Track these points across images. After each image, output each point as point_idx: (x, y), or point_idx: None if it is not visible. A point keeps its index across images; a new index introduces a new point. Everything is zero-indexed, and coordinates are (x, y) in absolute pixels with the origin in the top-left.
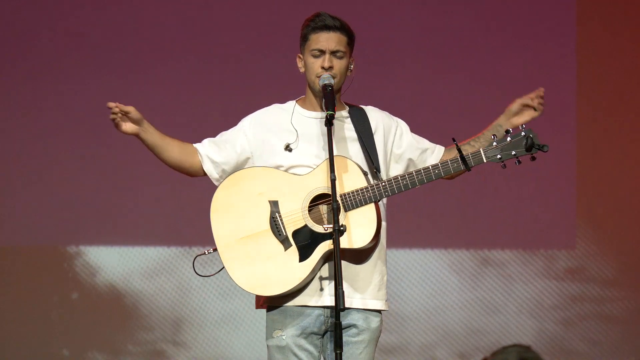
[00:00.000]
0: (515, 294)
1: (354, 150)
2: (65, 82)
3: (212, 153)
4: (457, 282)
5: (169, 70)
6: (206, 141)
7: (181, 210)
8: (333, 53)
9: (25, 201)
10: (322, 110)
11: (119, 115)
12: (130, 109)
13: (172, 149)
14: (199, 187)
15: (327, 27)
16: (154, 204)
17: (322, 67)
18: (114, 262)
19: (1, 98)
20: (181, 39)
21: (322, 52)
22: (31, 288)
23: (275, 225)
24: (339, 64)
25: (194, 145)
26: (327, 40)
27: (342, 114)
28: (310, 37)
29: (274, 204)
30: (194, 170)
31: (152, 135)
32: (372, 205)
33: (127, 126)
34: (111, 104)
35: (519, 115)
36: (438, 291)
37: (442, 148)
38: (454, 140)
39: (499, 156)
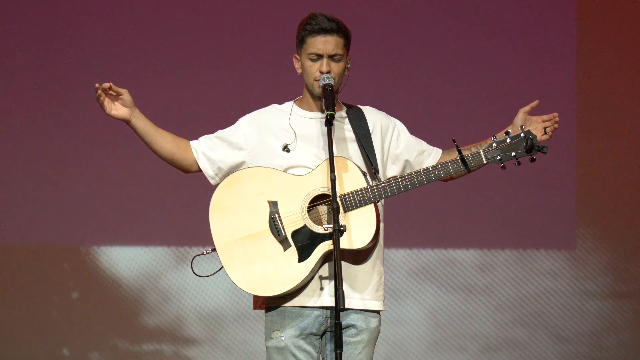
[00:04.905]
0: (515, 294)
1: (353, 150)
2: (67, 82)
3: (208, 150)
4: (456, 282)
5: (167, 70)
6: (202, 138)
7: (181, 210)
8: (331, 57)
9: (25, 201)
10: (320, 110)
11: (105, 95)
12: (123, 90)
13: (165, 140)
14: (198, 187)
15: (324, 31)
16: (154, 204)
17: (320, 72)
18: (114, 262)
19: (7, 98)
20: (179, 38)
21: (320, 56)
22: (31, 288)
23: (275, 226)
24: (336, 67)
25: (190, 142)
26: (324, 44)
27: (341, 114)
28: (307, 40)
29: (273, 204)
30: (187, 164)
31: (143, 123)
32: (372, 205)
33: (118, 110)
34: (101, 85)
35: (525, 125)
36: (437, 291)
37: (440, 151)
38: (454, 141)
39: (498, 157)
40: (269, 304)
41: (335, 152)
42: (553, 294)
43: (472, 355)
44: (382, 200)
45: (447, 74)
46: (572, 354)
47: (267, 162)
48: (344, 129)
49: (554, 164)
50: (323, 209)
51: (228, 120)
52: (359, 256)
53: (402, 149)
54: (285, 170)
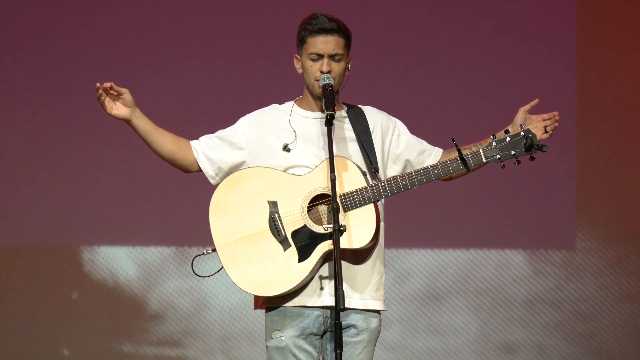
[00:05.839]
0: (515, 294)
1: (353, 150)
2: (67, 83)
3: (208, 150)
4: (456, 282)
5: (168, 70)
6: (203, 138)
7: (181, 210)
8: (331, 57)
9: (25, 201)
10: (321, 110)
11: (106, 94)
12: (124, 90)
13: (165, 140)
14: (198, 187)
15: (324, 30)
16: (154, 204)
17: (321, 72)
18: (114, 262)
19: (6, 98)
20: (180, 38)
21: (320, 55)
22: (31, 288)
23: (275, 226)
24: (337, 67)
25: (191, 142)
26: (325, 43)
27: (341, 113)
28: (308, 40)
29: (273, 204)
30: (188, 164)
31: (144, 122)
32: (372, 205)
33: (119, 109)
34: (102, 84)
35: (525, 124)
36: (438, 291)
37: (441, 150)
38: (453, 140)
39: (498, 156)
40: (270, 303)
41: (335, 152)
42: (553, 293)
43: (470, 355)
44: (383, 200)
45: (447, 73)
46: (572, 354)
47: (267, 162)
48: (344, 128)
49: (554, 164)
50: (323, 209)
51: (228, 120)
52: (359, 256)
53: (403, 148)
54: (285, 170)
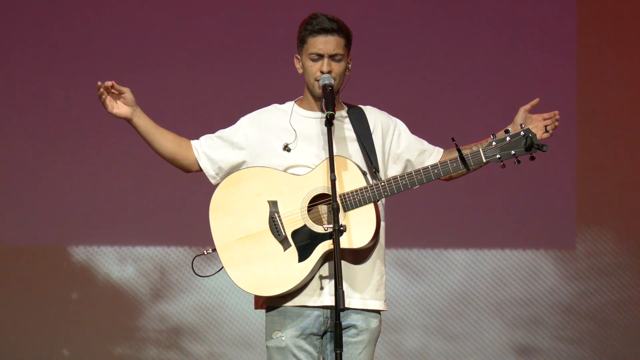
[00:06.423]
0: (515, 294)
1: (353, 150)
2: (67, 82)
3: (209, 150)
4: (456, 282)
5: (168, 70)
6: (203, 138)
7: (181, 210)
8: (331, 57)
9: (25, 201)
10: (321, 110)
11: (108, 93)
12: (125, 89)
13: (166, 140)
14: (198, 187)
15: (324, 31)
16: (154, 204)
17: (321, 72)
18: (114, 262)
19: (5, 98)
20: (180, 38)
21: (321, 56)
22: (31, 288)
23: (275, 226)
24: (337, 67)
25: (191, 141)
26: (325, 44)
27: (341, 113)
28: (308, 40)
29: (273, 204)
30: (188, 163)
31: (145, 122)
32: (372, 205)
33: (120, 108)
34: (103, 83)
35: (525, 124)
36: (438, 291)
37: (441, 150)
38: (453, 140)
39: (498, 156)
40: (270, 303)
41: (335, 152)
42: (553, 294)
43: (470, 356)
44: (383, 200)
45: (447, 73)
46: (573, 354)
47: (268, 161)
48: (345, 128)
49: (554, 163)
50: (323, 209)
51: (229, 120)
52: (359, 256)
53: (403, 148)
54: (285, 170)
